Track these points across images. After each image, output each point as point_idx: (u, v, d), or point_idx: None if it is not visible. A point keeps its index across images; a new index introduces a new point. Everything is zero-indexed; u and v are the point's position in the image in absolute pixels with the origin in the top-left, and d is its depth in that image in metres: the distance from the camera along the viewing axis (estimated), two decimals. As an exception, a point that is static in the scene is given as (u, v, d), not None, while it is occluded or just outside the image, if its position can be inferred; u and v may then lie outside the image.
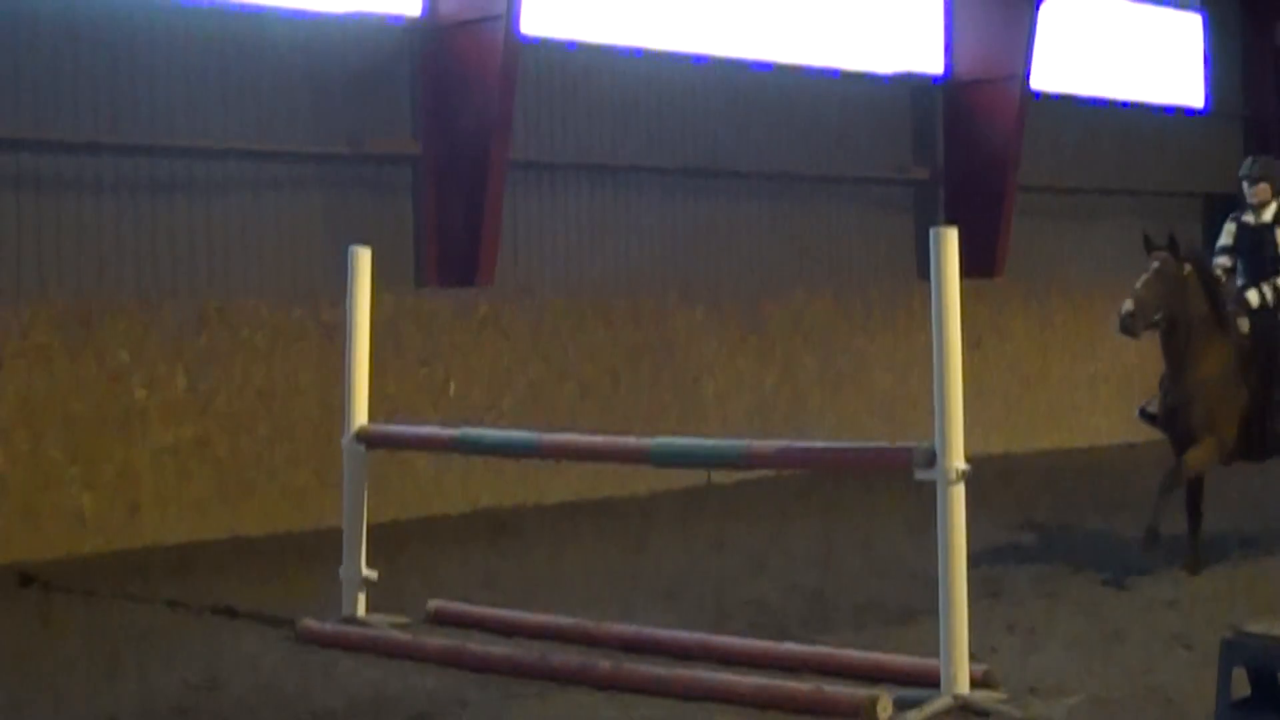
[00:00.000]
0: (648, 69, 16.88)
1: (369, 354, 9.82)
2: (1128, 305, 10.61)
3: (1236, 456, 11.11)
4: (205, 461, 12.96)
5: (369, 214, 14.86)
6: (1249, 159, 11.75)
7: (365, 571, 9.55)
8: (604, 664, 8.28)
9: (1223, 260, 11.38)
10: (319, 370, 13.24)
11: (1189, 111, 23.16)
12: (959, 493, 7.46)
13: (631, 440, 9.48)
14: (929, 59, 19.73)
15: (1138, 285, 10.76)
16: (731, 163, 17.57)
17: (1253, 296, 11.26)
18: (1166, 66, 22.96)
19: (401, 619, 9.56)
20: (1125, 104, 22.02)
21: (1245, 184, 11.47)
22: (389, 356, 13.12)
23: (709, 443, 9.12)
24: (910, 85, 19.52)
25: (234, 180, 14.19)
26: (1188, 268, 10.84)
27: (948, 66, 19.74)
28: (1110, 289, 20.78)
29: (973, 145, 19.48)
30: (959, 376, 7.52)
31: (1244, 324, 11.19)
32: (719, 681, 7.92)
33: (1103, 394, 19.45)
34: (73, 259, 13.20)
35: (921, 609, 9.18)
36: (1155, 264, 10.83)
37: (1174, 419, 11.03)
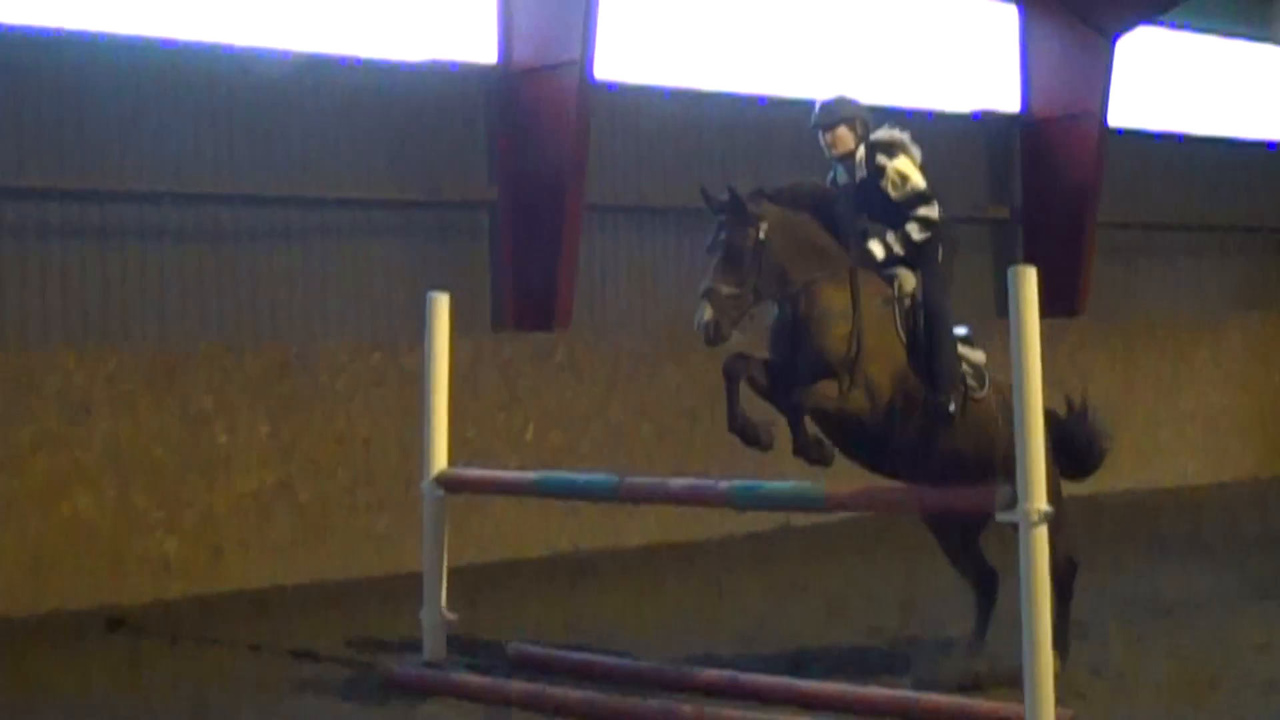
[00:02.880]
0: (720, 110, 16.87)
1: (448, 398, 9.87)
2: (703, 313, 8.36)
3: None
4: (287, 506, 13.04)
5: (447, 260, 14.92)
6: (816, 105, 9.19)
7: (446, 614, 9.57)
8: (686, 708, 8.26)
9: (876, 240, 8.95)
10: (399, 415, 13.30)
11: (1271, 145, 22.95)
12: (1042, 535, 7.40)
13: (711, 483, 9.48)
14: (1006, 97, 19.68)
15: (705, 280, 8.42)
16: (808, 203, 17.52)
17: (876, 248, 8.87)
18: (1246, 99, 22.78)
19: (482, 662, 9.57)
20: (1206, 138, 21.84)
21: (819, 135, 9.10)
22: (468, 401, 13.15)
23: (789, 485, 9.12)
24: (987, 123, 19.46)
25: (314, 227, 14.28)
26: (763, 227, 8.47)
27: (1024, 103, 19.66)
28: (1194, 326, 20.74)
29: (1051, 183, 19.36)
30: (1040, 417, 7.47)
31: (909, 279, 8.91)
32: (801, 725, 7.89)
33: (1190, 433, 19.26)
34: (156, 307, 13.32)
35: (1005, 652, 9.10)
36: (721, 235, 8.48)
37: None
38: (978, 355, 9.08)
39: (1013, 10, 19.71)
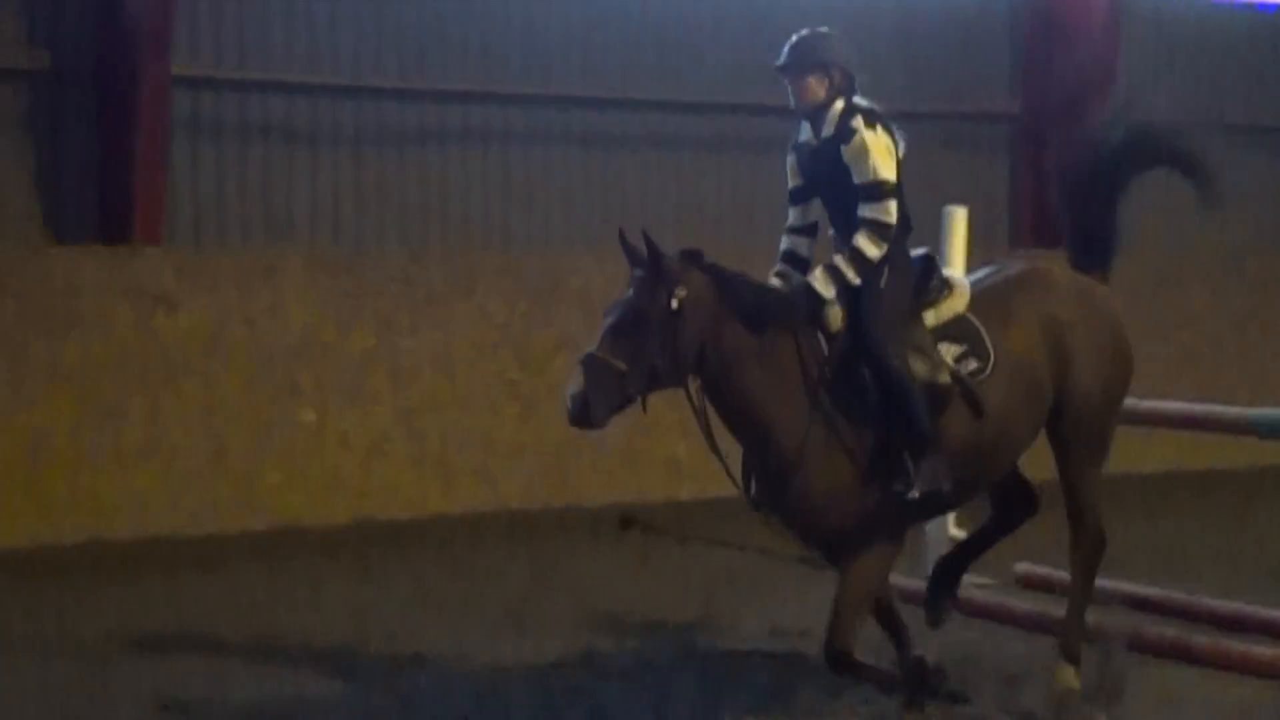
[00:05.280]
0: (1242, 22, 16.03)
1: (964, 314, 9.72)
2: (572, 385, 6.57)
3: None
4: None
5: (964, 173, 14.69)
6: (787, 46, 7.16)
7: (952, 530, 9.47)
8: (1201, 640, 7.97)
9: (792, 242, 7.15)
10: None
11: None
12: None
13: (1234, 410, 9.07)
14: None
15: (594, 347, 6.63)
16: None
17: (821, 284, 6.84)
18: None
19: (988, 581, 9.45)
20: None
21: (786, 83, 7.10)
22: (981, 317, 12.95)
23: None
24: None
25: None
26: (680, 294, 6.64)
27: None
28: None
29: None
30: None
31: (836, 313, 6.87)
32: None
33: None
34: (673, 212, 13.56)
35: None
36: (630, 295, 6.71)
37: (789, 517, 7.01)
38: (956, 306, 7.10)
39: None
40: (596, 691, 7.71)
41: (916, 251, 7.09)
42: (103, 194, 11.58)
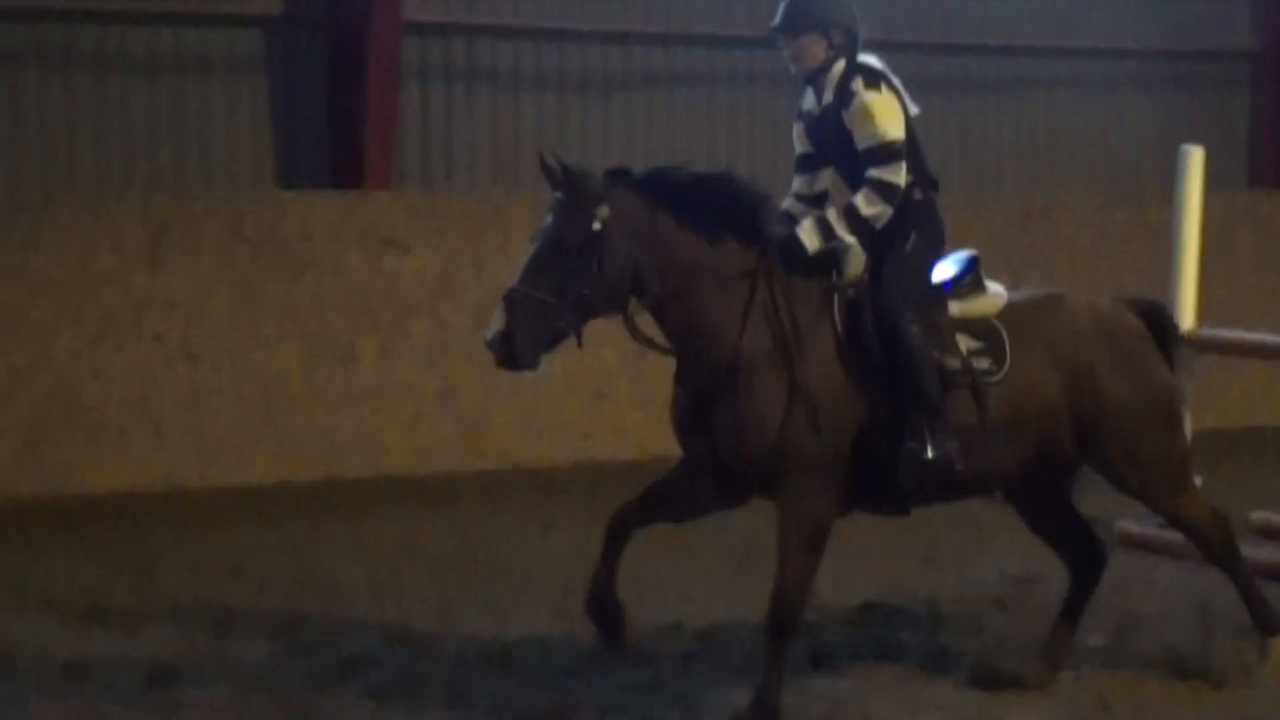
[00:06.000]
0: None
1: (1198, 256, 9.52)
2: (494, 323, 6.23)
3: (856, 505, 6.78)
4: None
5: (1201, 112, 14.33)
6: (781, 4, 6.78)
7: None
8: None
9: (791, 207, 6.81)
10: (1143, 272, 12.93)
11: None
12: None
13: None
14: None
15: (514, 280, 6.30)
16: None
17: (807, 234, 6.53)
18: None
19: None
20: None
21: (781, 45, 6.78)
22: (1217, 260, 12.63)
23: None
24: None
25: (1062, 78, 14.04)
26: (602, 213, 6.27)
27: None
28: None
29: None
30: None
31: (858, 260, 6.59)
32: None
33: None
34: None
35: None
36: (548, 221, 6.35)
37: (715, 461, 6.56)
38: (985, 308, 6.83)
39: None
40: (819, 634, 7.70)
41: (964, 252, 6.88)
42: (334, 139, 11.82)
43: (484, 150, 12.33)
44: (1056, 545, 7.36)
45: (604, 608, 6.76)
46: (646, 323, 6.55)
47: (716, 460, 6.53)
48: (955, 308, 6.74)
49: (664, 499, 6.78)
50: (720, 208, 6.47)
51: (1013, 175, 13.85)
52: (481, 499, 10.78)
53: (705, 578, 8.66)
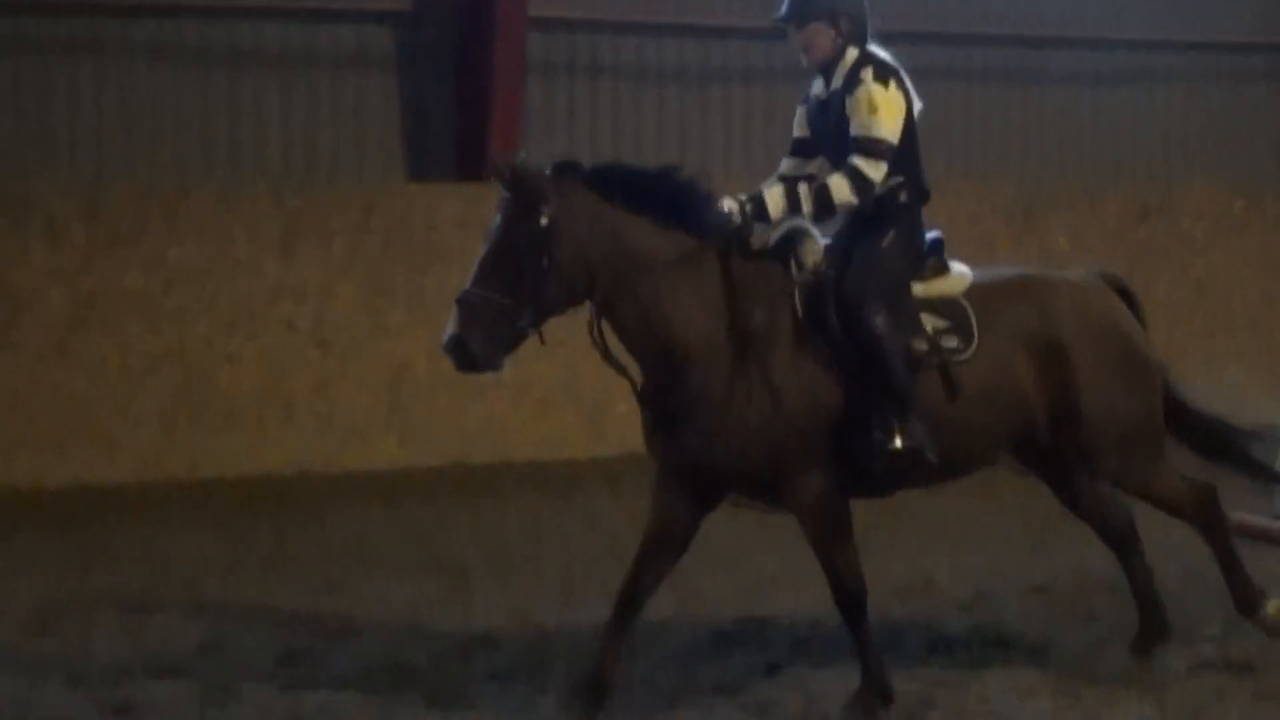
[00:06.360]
0: None
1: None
2: (450, 327, 6.16)
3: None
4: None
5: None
6: None
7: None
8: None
9: (780, 189, 6.59)
10: (1260, 264, 12.92)
11: None
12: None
13: None
14: None
15: (468, 283, 6.19)
16: None
17: (771, 200, 6.51)
18: None
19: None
20: None
21: (790, 35, 6.69)
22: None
23: None
24: None
25: (1176, 71, 13.99)
26: (549, 210, 6.15)
27: None
28: None
29: None
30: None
31: (815, 248, 6.50)
32: None
33: None
34: (1018, 148, 13.48)
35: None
36: (496, 220, 6.25)
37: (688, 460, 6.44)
38: (949, 288, 6.69)
39: None
40: (933, 620, 7.80)
41: (931, 233, 6.74)
42: (461, 132, 12.03)
43: (606, 143, 12.50)
44: (1089, 522, 7.29)
45: (597, 695, 6.51)
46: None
47: (687, 464, 6.44)
48: (919, 289, 6.63)
49: (654, 555, 6.61)
50: (669, 200, 6.39)
51: (1128, 167, 13.81)
52: (603, 485, 10.92)
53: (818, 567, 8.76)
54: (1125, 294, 7.16)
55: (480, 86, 11.81)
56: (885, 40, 6.65)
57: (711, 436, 6.30)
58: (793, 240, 6.48)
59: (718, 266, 6.37)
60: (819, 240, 6.51)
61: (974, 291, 6.73)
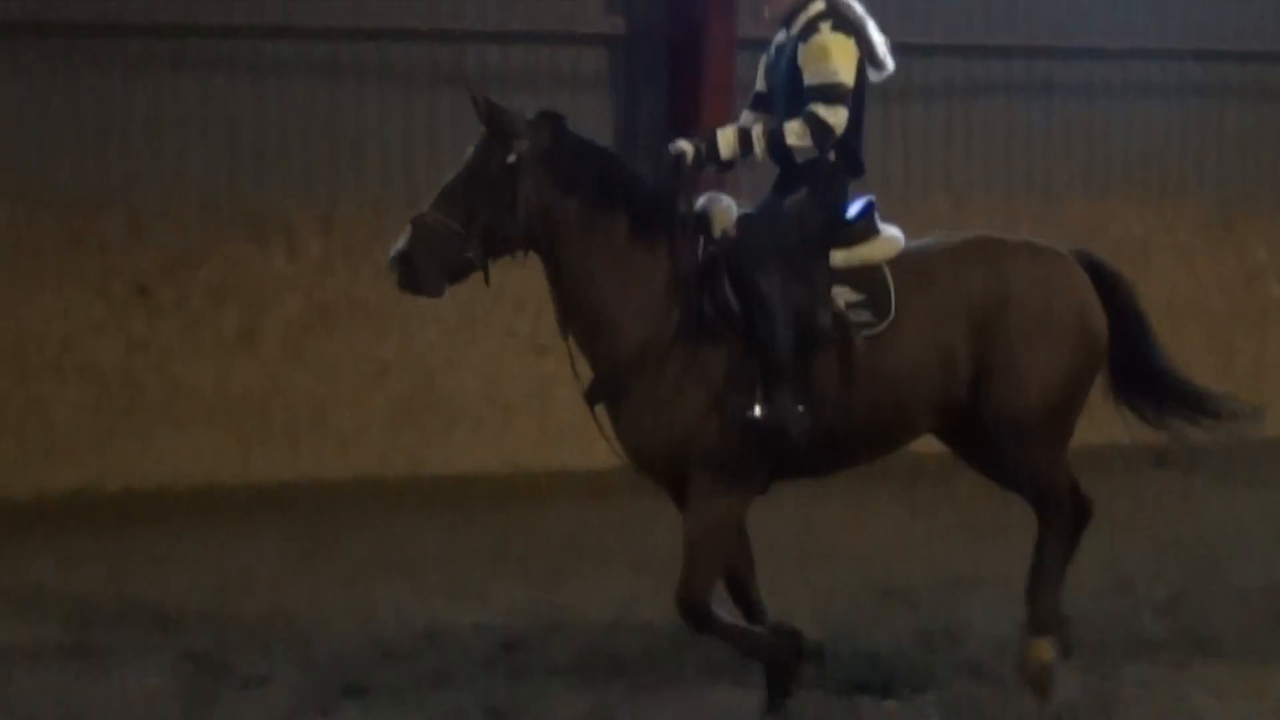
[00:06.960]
0: None
1: None
2: (397, 243, 6.16)
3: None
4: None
5: None
6: None
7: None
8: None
9: (733, 130, 6.42)
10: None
11: None
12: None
13: None
14: None
15: (429, 206, 6.18)
16: None
17: (723, 139, 6.36)
18: None
19: None
20: None
21: None
22: None
23: None
24: None
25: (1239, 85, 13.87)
26: (520, 146, 6.13)
27: None
28: None
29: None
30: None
31: (725, 214, 6.30)
32: None
33: None
34: (1212, 162, 13.53)
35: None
36: (469, 152, 6.24)
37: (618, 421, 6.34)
38: (874, 254, 6.40)
39: None
40: (1132, 621, 7.86)
41: (861, 198, 6.49)
42: (672, 151, 12.36)
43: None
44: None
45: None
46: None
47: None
48: (839, 256, 6.37)
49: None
50: (633, 174, 6.41)
51: (1195, 182, 13.68)
52: (807, 486, 11.07)
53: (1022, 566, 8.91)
54: (1097, 269, 6.77)
55: (691, 107, 12.06)
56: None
57: (631, 430, 6.31)
58: (706, 211, 6.38)
59: (663, 253, 6.26)
60: (732, 208, 6.37)
61: (909, 257, 6.46)
